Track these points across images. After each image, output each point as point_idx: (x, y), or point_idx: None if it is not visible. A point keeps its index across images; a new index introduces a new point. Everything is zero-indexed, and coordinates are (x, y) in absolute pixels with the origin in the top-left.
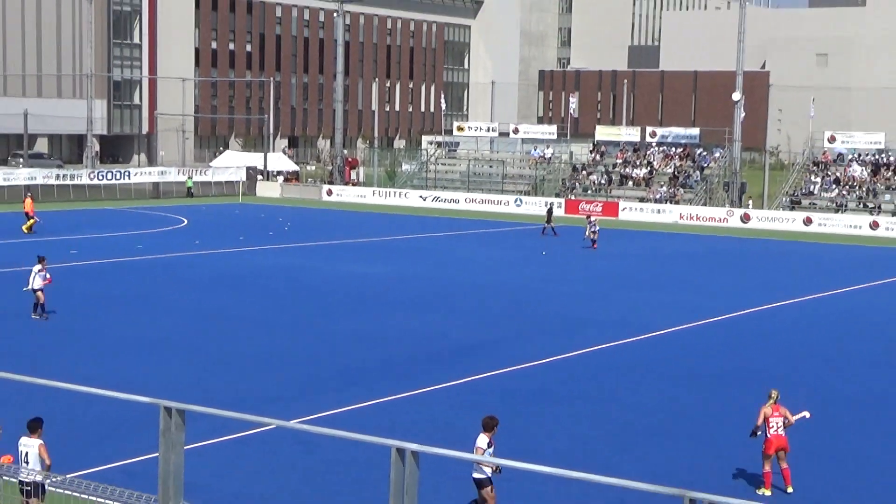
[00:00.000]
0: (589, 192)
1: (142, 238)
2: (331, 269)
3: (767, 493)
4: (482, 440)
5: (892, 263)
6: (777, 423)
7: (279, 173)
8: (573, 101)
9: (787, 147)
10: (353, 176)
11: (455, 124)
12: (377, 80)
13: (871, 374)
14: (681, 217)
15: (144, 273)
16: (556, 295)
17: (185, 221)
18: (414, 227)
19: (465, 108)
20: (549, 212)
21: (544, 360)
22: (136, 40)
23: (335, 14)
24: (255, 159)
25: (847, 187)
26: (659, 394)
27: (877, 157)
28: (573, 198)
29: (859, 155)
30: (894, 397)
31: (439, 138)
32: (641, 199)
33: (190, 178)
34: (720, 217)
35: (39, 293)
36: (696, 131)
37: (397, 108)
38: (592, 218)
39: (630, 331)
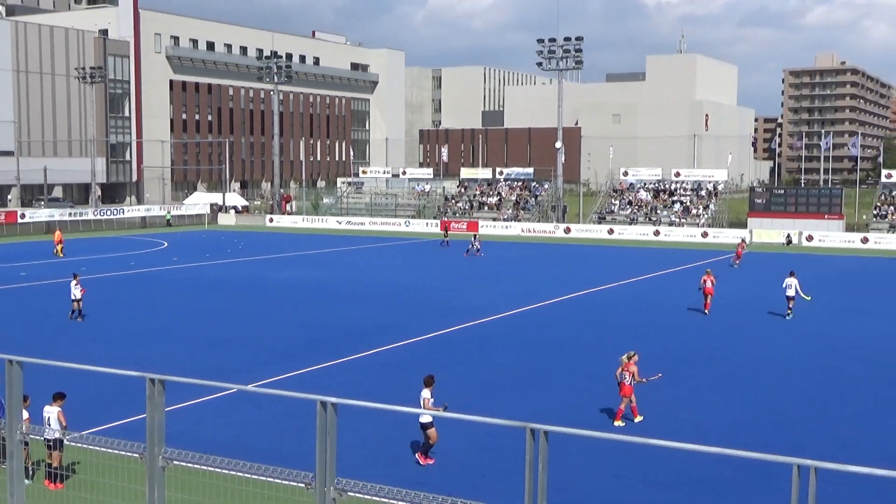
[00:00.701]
0: (457, 214)
1: (134, 257)
2: (276, 275)
3: (621, 424)
4: (426, 392)
5: (669, 260)
6: (626, 376)
7: (234, 207)
8: (444, 151)
9: (595, 179)
10: (289, 207)
11: (361, 169)
12: (304, 138)
13: (660, 338)
14: (522, 231)
15: (138, 283)
16: (438, 289)
17: (166, 244)
18: (333, 243)
19: (367, 157)
20: (447, 229)
21: (431, 335)
22: (127, 114)
23: (272, 92)
24: (216, 197)
25: (636, 207)
26: (515, 358)
27: (656, 185)
28: (446, 218)
29: (644, 184)
30: (676, 354)
31: (350, 179)
32: (494, 219)
33: (168, 212)
34: (549, 230)
35: (76, 303)
36: (531, 170)
37: (319, 158)
38: (476, 234)
39: (488, 312)
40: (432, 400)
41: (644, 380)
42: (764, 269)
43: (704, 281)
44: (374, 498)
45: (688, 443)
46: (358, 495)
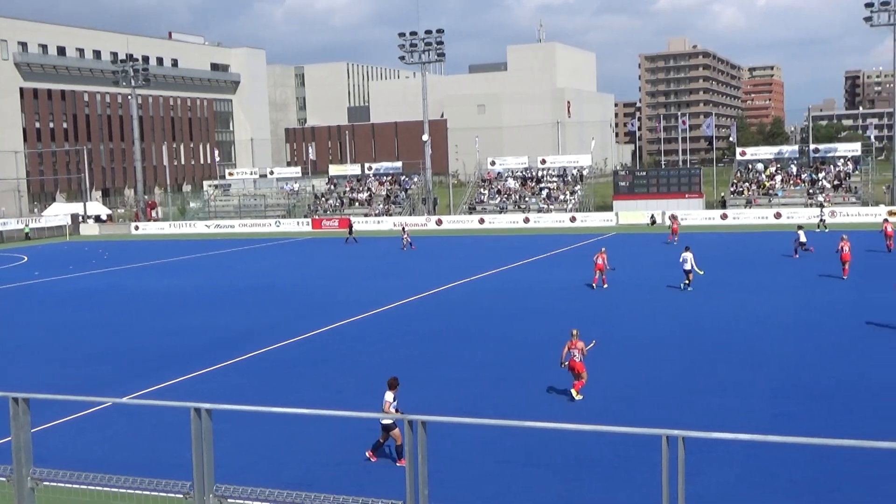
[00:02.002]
0: (328, 212)
1: None
2: (144, 284)
3: (578, 397)
4: (389, 395)
5: (540, 246)
6: (574, 353)
7: (97, 216)
8: (311, 149)
9: (463, 170)
10: (154, 214)
11: (227, 171)
12: (166, 142)
13: (535, 323)
14: (394, 225)
15: None
16: (312, 288)
17: (25, 258)
18: (202, 248)
19: (233, 158)
20: (350, 226)
21: (308, 335)
22: None
23: (129, 96)
24: (77, 207)
25: (505, 196)
26: (393, 352)
27: (523, 173)
28: (317, 217)
29: (512, 172)
30: (555, 337)
31: (216, 182)
32: (366, 214)
33: (27, 225)
34: (421, 223)
35: None
36: (399, 164)
37: (183, 162)
38: (406, 228)
39: (365, 308)
40: (394, 403)
41: (585, 351)
42: (631, 249)
43: (597, 258)
44: (255, 502)
45: (566, 423)
46: (238, 501)
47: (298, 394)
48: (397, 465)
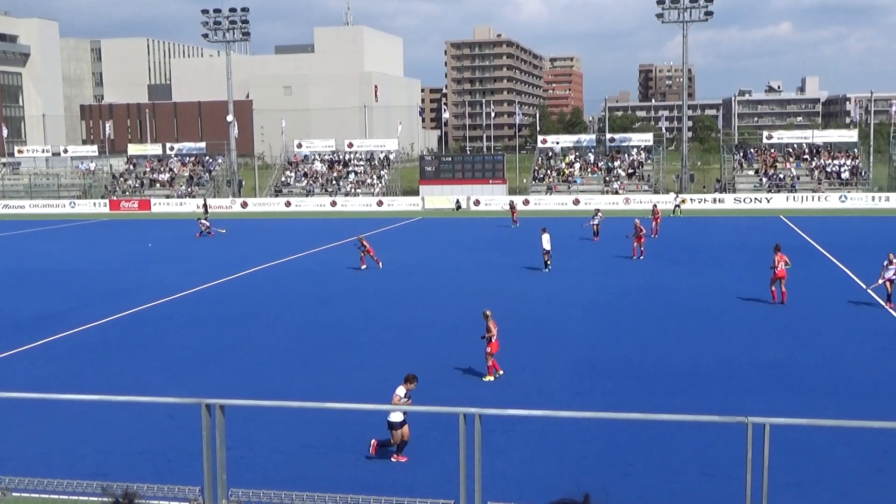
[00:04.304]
0: (126, 193)
1: None
2: None
3: (491, 378)
4: (401, 390)
5: (347, 229)
6: (494, 335)
7: None
8: (109, 127)
9: (270, 153)
10: None
11: (16, 148)
12: None
13: (342, 306)
14: (197, 207)
15: None
16: (109, 272)
17: None
18: None
19: (23, 135)
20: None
21: (105, 320)
22: None
23: None
24: None
25: (312, 179)
26: (193, 336)
27: (331, 156)
28: (115, 198)
29: (319, 155)
30: (358, 321)
31: (4, 160)
32: (167, 196)
33: None
34: (226, 205)
35: None
36: (203, 145)
37: None
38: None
39: (164, 292)
40: (405, 399)
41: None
42: (436, 234)
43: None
44: (40, 496)
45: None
46: (23, 494)
47: (105, 377)
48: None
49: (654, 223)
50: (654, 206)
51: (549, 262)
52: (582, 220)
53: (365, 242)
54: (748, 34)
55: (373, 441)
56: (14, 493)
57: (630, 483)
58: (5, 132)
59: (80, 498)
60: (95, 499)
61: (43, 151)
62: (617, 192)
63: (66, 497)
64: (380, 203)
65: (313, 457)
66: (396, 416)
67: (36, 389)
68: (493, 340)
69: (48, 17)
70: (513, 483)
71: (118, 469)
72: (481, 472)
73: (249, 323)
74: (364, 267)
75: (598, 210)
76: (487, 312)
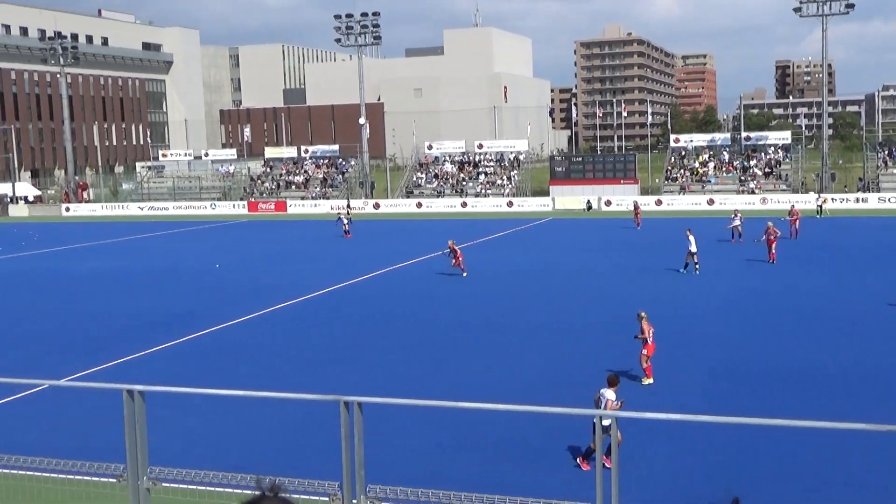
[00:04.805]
0: (264, 195)
1: None
2: (76, 266)
3: (651, 381)
4: (611, 394)
5: (477, 230)
6: (649, 336)
7: (25, 198)
8: (247, 131)
9: (401, 154)
10: (85, 195)
11: (160, 152)
12: (97, 122)
13: (475, 307)
14: (332, 208)
15: None
16: (249, 271)
17: None
18: (136, 230)
19: (167, 140)
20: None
21: (244, 318)
22: None
23: (58, 75)
24: (5, 188)
25: (443, 180)
26: (329, 334)
27: (461, 157)
28: (253, 200)
29: (449, 157)
30: (488, 322)
31: (150, 163)
32: (303, 198)
33: None
34: (359, 206)
35: None
36: (336, 147)
37: (115, 142)
38: (342, 214)
39: (303, 291)
40: (616, 403)
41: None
42: (566, 235)
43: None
44: (188, 486)
45: (501, 404)
46: (172, 485)
47: (238, 376)
48: (581, 466)
49: (792, 225)
50: (792, 206)
51: (697, 264)
52: (723, 220)
53: (455, 248)
54: (893, 27)
55: (579, 458)
56: (164, 484)
57: (772, 491)
58: (150, 138)
59: (227, 490)
60: (239, 491)
61: (185, 155)
62: (753, 192)
63: (211, 489)
64: (510, 204)
65: (446, 456)
66: (608, 420)
67: (179, 385)
68: (650, 342)
69: (189, 26)
70: (652, 487)
71: (259, 462)
72: (618, 476)
73: (384, 322)
74: (465, 274)
75: (738, 211)
76: (642, 314)
